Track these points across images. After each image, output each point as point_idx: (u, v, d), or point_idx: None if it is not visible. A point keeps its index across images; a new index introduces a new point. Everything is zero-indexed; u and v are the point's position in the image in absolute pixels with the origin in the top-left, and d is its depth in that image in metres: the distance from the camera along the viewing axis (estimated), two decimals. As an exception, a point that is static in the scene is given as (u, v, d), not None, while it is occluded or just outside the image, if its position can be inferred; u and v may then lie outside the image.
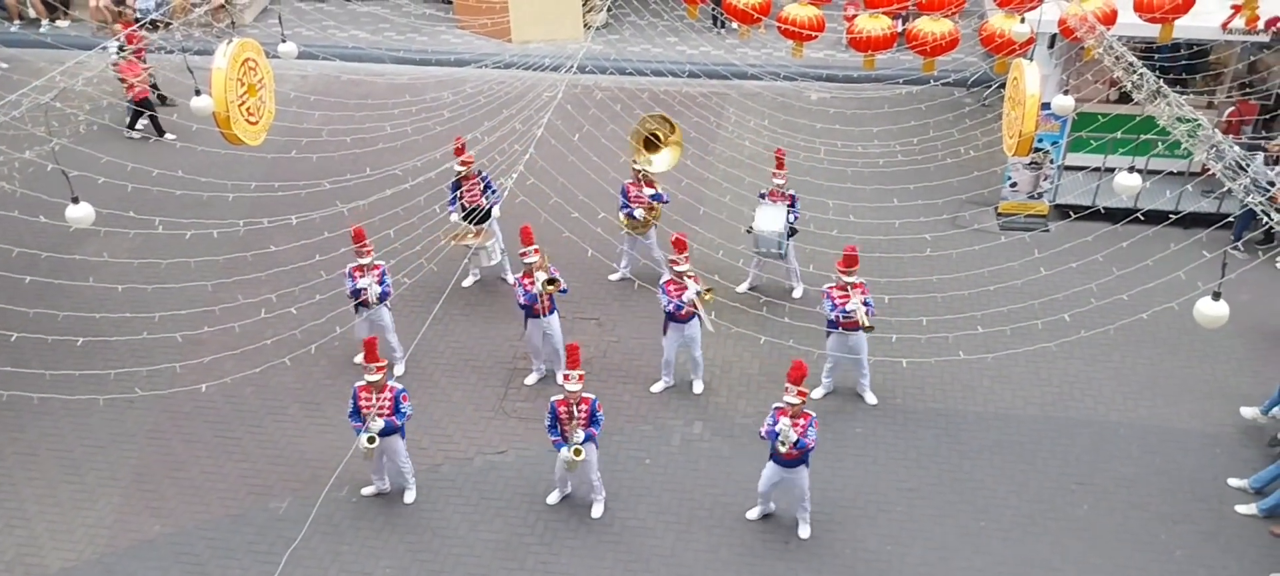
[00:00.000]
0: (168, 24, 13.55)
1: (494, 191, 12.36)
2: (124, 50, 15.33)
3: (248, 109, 9.41)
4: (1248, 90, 13.61)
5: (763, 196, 12.08)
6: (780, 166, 12.02)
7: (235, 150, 9.69)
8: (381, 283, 10.87)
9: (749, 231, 11.98)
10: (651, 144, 12.60)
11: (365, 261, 10.78)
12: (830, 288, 10.52)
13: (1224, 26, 12.31)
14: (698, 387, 11.30)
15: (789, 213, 11.91)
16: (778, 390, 11.20)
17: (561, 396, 9.21)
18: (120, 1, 19.39)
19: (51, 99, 9.38)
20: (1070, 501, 10.03)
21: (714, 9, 17.59)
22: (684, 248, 10.61)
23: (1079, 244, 10.99)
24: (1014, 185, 14.11)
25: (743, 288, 12.61)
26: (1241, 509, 9.88)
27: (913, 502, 10.05)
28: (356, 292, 10.85)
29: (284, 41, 11.55)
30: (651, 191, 12.32)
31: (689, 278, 10.60)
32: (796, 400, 8.88)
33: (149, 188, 10.97)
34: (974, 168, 12.89)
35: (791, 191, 12.09)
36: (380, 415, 9.31)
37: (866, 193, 12.17)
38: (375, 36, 19.18)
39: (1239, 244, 11.93)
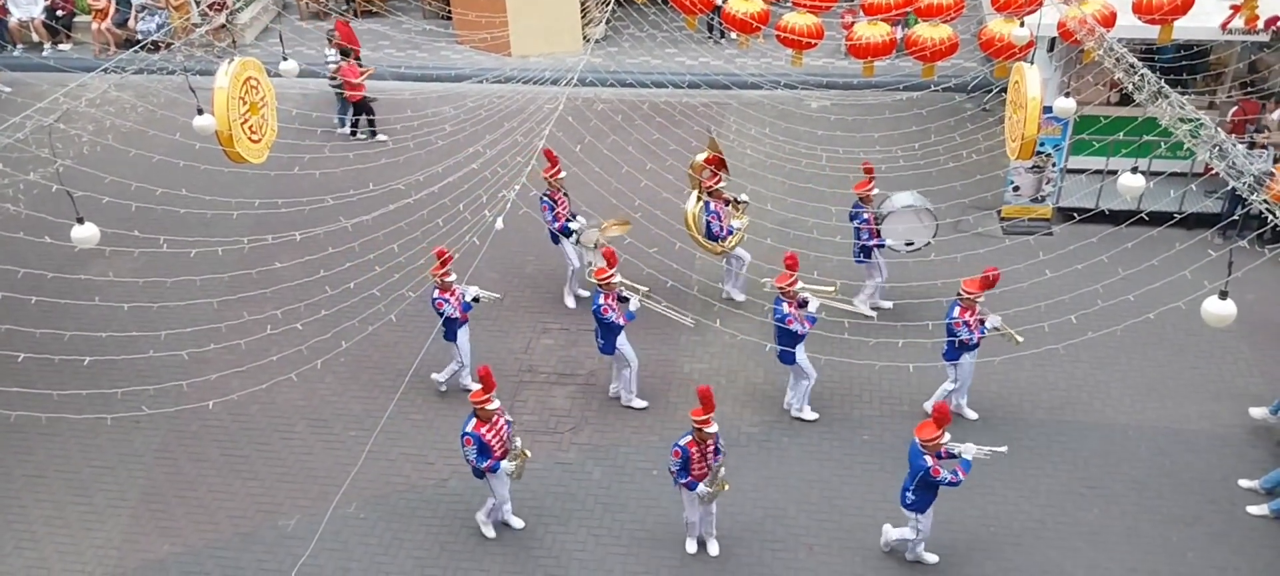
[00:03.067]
0: (169, 44, 13.59)
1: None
2: (347, 55, 16.46)
3: (250, 127, 9.44)
4: (1249, 90, 13.61)
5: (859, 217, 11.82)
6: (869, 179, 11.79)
7: (238, 168, 9.72)
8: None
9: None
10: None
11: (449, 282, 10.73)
12: (961, 310, 10.23)
13: (1223, 26, 12.31)
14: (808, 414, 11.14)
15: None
16: (780, 397, 11.25)
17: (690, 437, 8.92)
18: (123, 24, 19.50)
19: (55, 120, 9.41)
20: (1079, 505, 10.00)
21: (712, 19, 17.67)
22: (795, 266, 10.48)
23: (1083, 246, 10.97)
24: (1016, 189, 14.10)
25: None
26: (1252, 510, 9.84)
27: (921, 508, 10.00)
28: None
29: (285, 60, 11.59)
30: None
31: (806, 293, 10.48)
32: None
33: (153, 207, 11.00)
34: (976, 172, 12.88)
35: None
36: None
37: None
38: (376, 53, 19.23)
39: (1225, 232, 11.94)
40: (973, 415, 10.95)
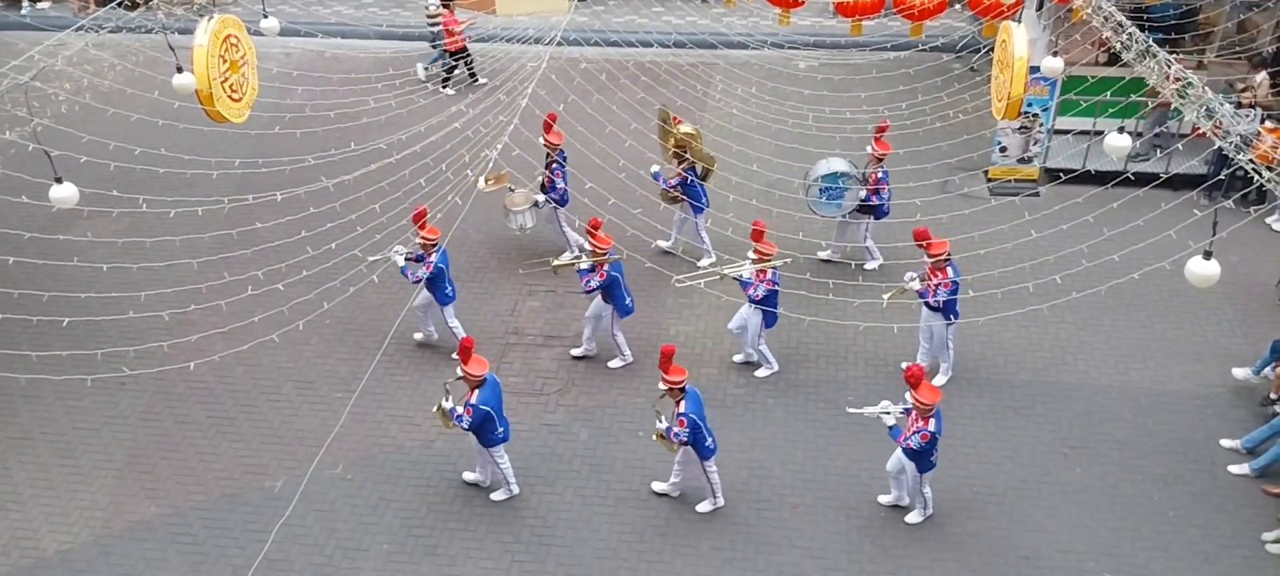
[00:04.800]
0: (148, 2, 13.37)
1: (561, 176, 12.34)
2: (449, 4, 16.78)
3: (231, 86, 9.33)
4: (1237, 50, 13.57)
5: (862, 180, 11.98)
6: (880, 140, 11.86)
7: (219, 127, 9.60)
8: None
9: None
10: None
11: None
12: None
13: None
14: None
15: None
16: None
17: None
18: (100, -19, 19.21)
19: (30, 78, 9.27)
20: (1063, 465, 10.06)
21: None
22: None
23: (1069, 206, 10.97)
24: (1003, 149, 14.08)
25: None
26: (1234, 469, 9.92)
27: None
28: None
29: (266, 17, 11.44)
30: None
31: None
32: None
33: (132, 166, 10.87)
34: (963, 132, 12.86)
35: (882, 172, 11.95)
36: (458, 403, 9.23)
37: (856, 159, 12.13)
38: (358, 11, 19.00)
39: (1211, 193, 11.92)
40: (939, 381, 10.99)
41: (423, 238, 10.67)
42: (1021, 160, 14.08)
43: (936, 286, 10.27)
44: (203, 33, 8.90)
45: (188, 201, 10.97)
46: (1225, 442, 10.18)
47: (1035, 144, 13.94)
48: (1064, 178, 12.30)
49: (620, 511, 9.69)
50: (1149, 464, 10.04)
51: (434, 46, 17.30)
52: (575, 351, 11.42)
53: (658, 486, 9.81)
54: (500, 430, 9.35)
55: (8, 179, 9.79)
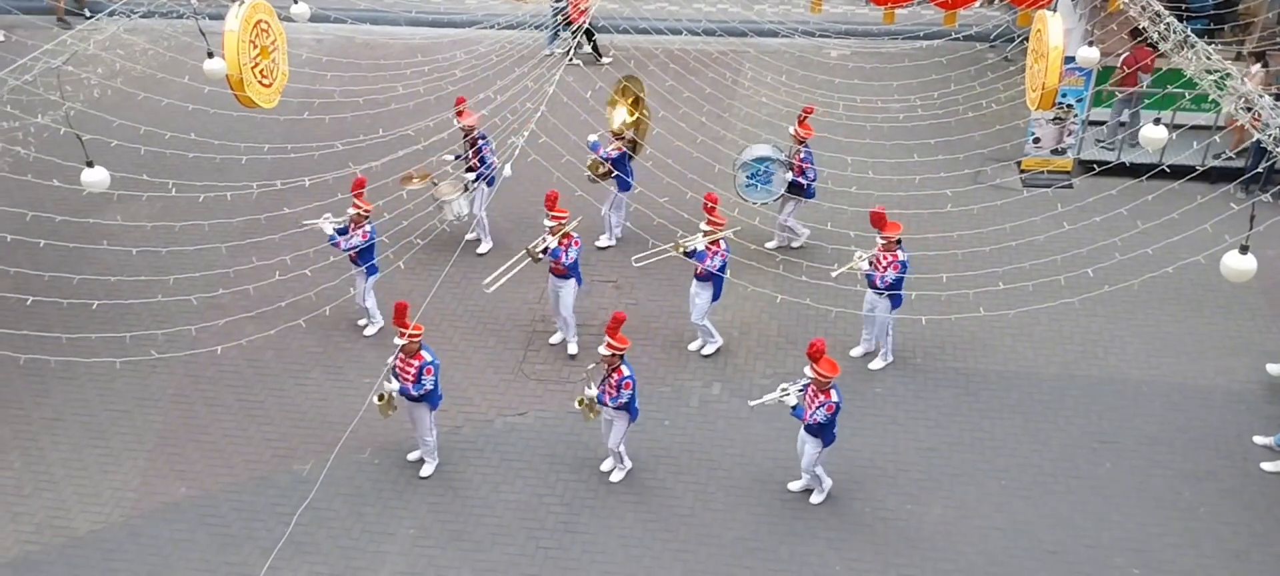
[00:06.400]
0: (180, -13, 13.47)
1: (487, 161, 12.29)
2: None
3: (261, 71, 9.39)
4: (1141, 37, 13.30)
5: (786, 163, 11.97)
6: (803, 123, 11.92)
7: (249, 113, 9.65)
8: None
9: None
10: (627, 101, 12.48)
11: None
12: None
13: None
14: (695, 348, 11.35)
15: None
16: (795, 351, 11.22)
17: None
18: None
19: (62, 62, 9.37)
20: (1092, 460, 9.95)
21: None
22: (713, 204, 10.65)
23: (1103, 198, 10.81)
24: (1037, 141, 13.91)
25: (770, 245, 12.55)
26: (1266, 466, 9.78)
27: (932, 462, 10.00)
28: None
29: (296, 3, 11.49)
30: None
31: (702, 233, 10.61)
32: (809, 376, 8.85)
33: (163, 151, 10.97)
34: (996, 122, 12.71)
35: (804, 153, 11.97)
36: (402, 379, 9.29)
37: (886, 149, 12.02)
38: (388, -3, 19.04)
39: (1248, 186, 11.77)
40: (854, 353, 11.06)
41: (357, 207, 10.68)
42: (1055, 151, 13.91)
43: (885, 267, 10.25)
44: (234, 18, 8.97)
45: (217, 186, 11.06)
46: (1258, 439, 10.04)
47: (1069, 135, 13.76)
48: (1098, 169, 12.14)
49: (645, 499, 9.69)
50: (1179, 459, 9.92)
51: (552, 28, 17.43)
52: (554, 339, 11.45)
53: (616, 475, 9.86)
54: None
55: (40, 162, 9.92)
